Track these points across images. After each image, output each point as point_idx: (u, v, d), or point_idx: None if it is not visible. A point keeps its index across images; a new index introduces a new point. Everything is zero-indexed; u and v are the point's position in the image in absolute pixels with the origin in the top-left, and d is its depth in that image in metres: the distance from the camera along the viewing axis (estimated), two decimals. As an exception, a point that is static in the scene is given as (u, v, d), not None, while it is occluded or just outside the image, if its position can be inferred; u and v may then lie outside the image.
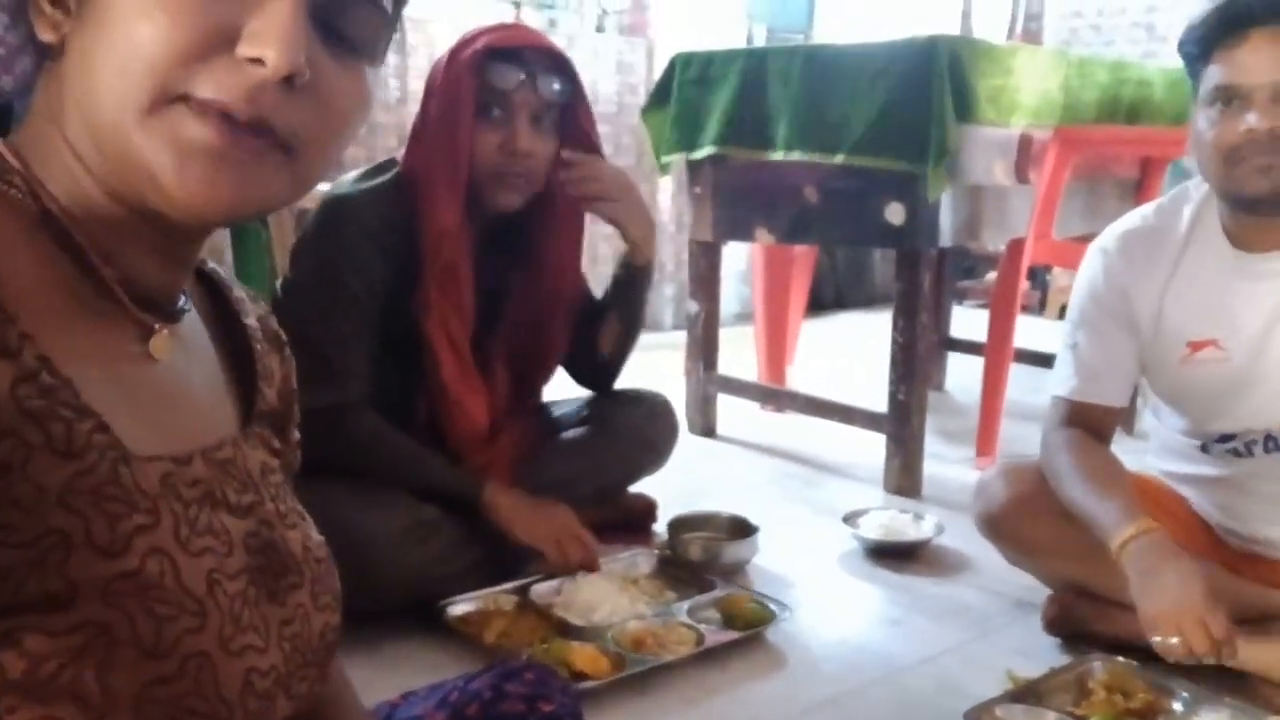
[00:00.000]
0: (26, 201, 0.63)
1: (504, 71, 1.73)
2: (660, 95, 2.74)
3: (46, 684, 0.54)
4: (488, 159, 1.76)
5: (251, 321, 0.80)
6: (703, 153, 2.62)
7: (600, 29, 4.40)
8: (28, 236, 0.62)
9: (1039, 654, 1.66)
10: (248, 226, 2.87)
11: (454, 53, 1.77)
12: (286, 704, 0.70)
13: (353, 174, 1.87)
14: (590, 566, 1.79)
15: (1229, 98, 1.46)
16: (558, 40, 4.10)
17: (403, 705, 1.10)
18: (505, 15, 4.12)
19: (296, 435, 0.86)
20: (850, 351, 4.17)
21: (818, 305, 4.87)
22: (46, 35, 0.63)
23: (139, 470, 0.61)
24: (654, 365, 3.16)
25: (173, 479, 0.64)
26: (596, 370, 2.10)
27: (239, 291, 0.81)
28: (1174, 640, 1.37)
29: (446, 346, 1.80)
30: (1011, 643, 1.72)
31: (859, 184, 2.35)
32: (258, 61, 0.59)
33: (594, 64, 4.35)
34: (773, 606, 1.75)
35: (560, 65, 1.80)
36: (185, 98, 0.59)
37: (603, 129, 4.32)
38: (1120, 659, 1.54)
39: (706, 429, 2.90)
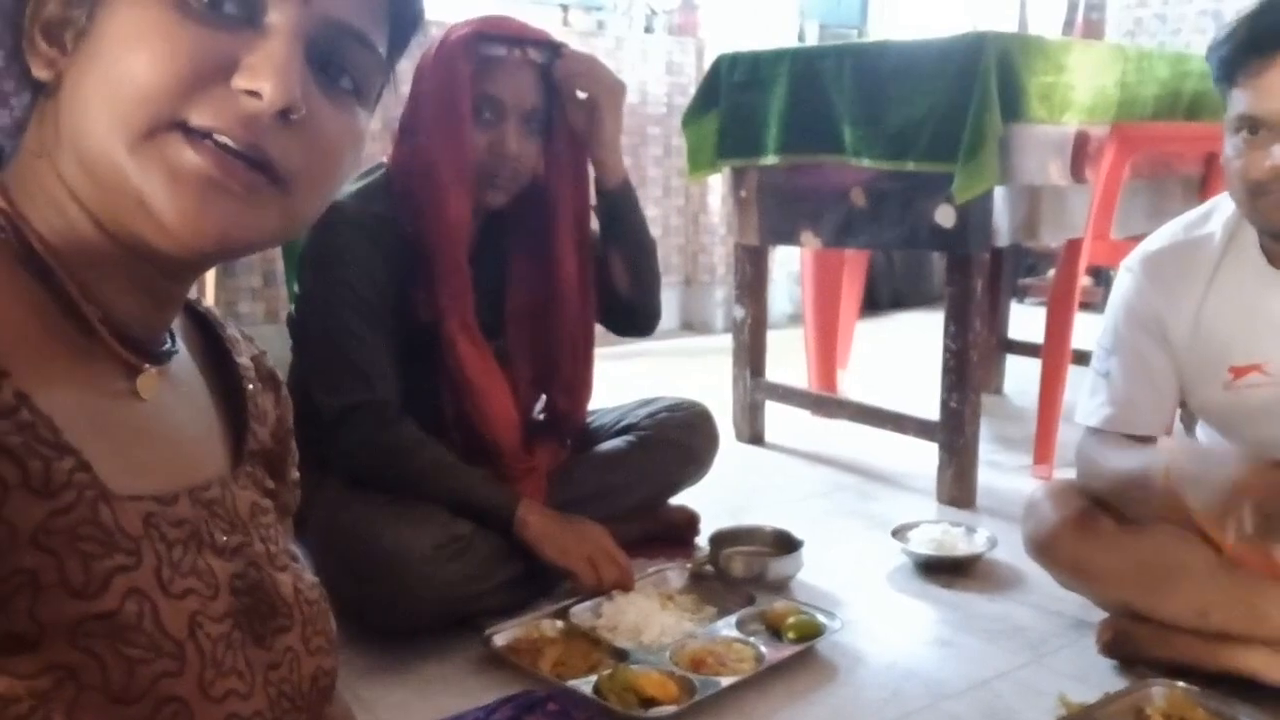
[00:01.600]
0: (9, 239, 0.62)
1: (493, 65, 1.73)
2: (704, 100, 2.69)
3: None
4: (476, 160, 1.75)
5: (244, 360, 0.78)
6: (766, 161, 2.56)
7: (649, 30, 4.36)
8: (10, 274, 0.61)
9: (1094, 678, 1.59)
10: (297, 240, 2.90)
11: (442, 45, 1.74)
12: None
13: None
14: (625, 586, 1.75)
15: (1254, 127, 1.38)
16: (605, 42, 4.15)
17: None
18: (552, 18, 4.10)
19: (295, 475, 0.86)
20: (907, 353, 4.09)
21: (874, 305, 4.79)
22: (42, 73, 0.63)
23: (120, 510, 0.60)
24: (704, 369, 3.12)
25: (156, 519, 0.63)
26: (628, 313, 2.03)
27: (232, 331, 0.80)
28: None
29: (463, 339, 1.79)
30: (1066, 666, 1.65)
31: (907, 185, 2.29)
32: (254, 94, 0.59)
33: (643, 65, 4.31)
34: (822, 617, 1.71)
35: (549, 51, 1.80)
36: (180, 125, 0.59)
37: (652, 130, 4.35)
38: (1181, 685, 1.47)
39: (754, 437, 2.85)
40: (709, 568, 1.92)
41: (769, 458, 2.77)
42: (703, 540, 2.07)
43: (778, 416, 2.90)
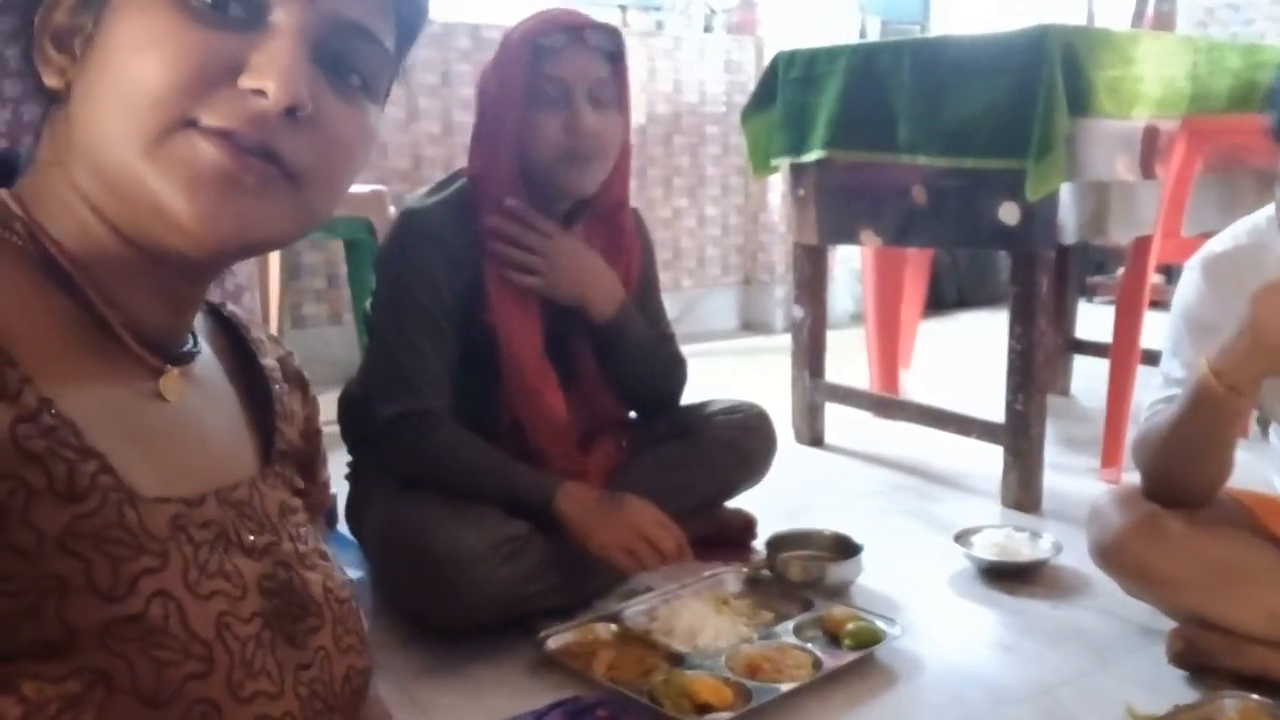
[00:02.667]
0: (29, 248, 0.62)
1: (553, 52, 1.72)
2: (762, 97, 2.67)
3: None
4: (552, 143, 1.73)
5: (269, 361, 0.79)
6: (812, 156, 2.54)
7: (708, 29, 4.34)
8: (30, 283, 0.62)
9: (1163, 688, 1.54)
10: (361, 239, 2.92)
11: (500, 47, 1.76)
12: None
13: (425, 189, 1.89)
14: (675, 561, 1.72)
15: None
16: (663, 41, 4.14)
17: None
18: (610, 19, 4.10)
19: (325, 475, 0.87)
20: (971, 354, 4.02)
21: (939, 304, 4.72)
22: (52, 81, 0.63)
23: (146, 512, 0.60)
24: (763, 370, 3.10)
25: (183, 520, 0.63)
26: (635, 406, 2.04)
27: (257, 333, 0.80)
28: None
29: (515, 338, 1.79)
30: (1133, 674, 1.60)
31: (969, 183, 2.24)
32: (260, 93, 0.59)
33: (701, 64, 4.30)
34: (881, 624, 1.68)
35: (610, 36, 1.78)
36: (192, 124, 0.59)
37: (711, 129, 4.33)
38: (1255, 696, 1.42)
39: (814, 438, 2.81)
40: (766, 572, 1.89)
41: (829, 460, 2.74)
42: (760, 544, 2.05)
43: (838, 418, 2.86)
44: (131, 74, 0.59)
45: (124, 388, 0.64)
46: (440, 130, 3.72)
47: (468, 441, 1.74)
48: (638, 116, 4.21)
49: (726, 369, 3.65)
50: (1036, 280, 2.22)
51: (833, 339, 2.88)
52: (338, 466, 2.03)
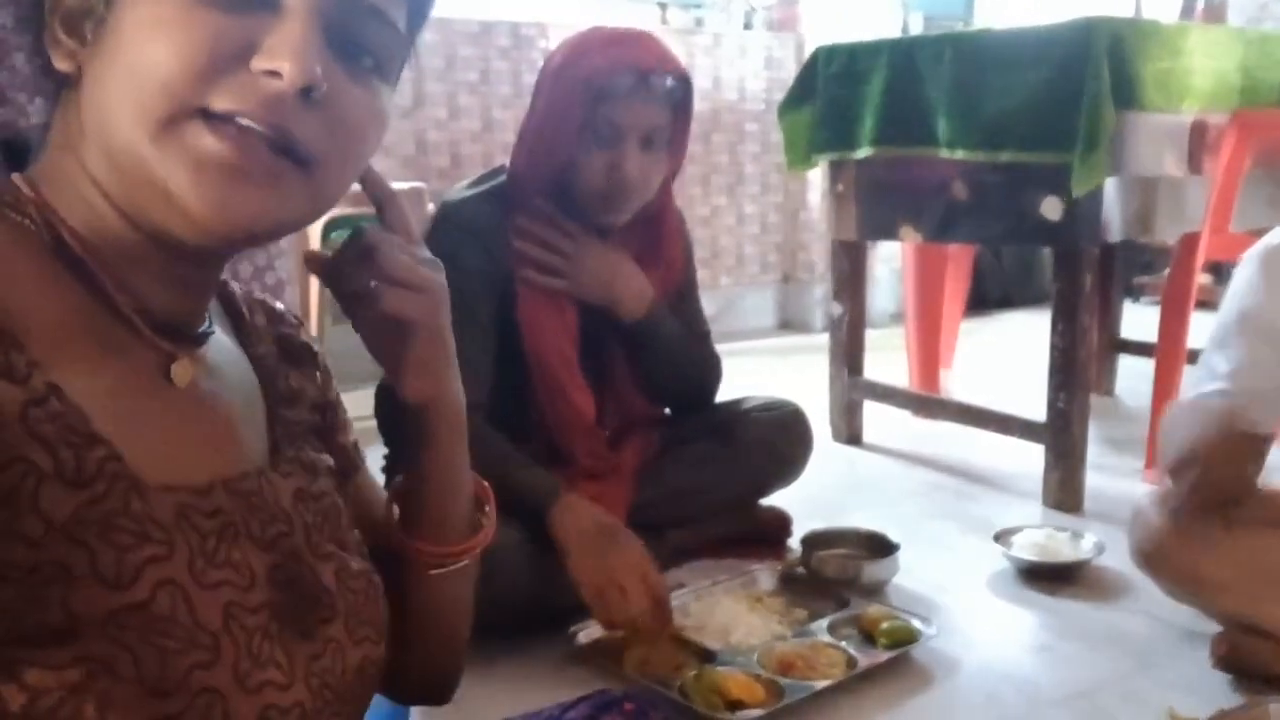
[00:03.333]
0: (40, 232, 0.62)
1: (615, 95, 1.68)
2: (801, 92, 2.65)
3: (46, 718, 0.53)
4: (592, 180, 1.72)
5: (262, 349, 0.78)
6: (854, 153, 2.51)
7: (748, 25, 4.32)
8: (41, 266, 0.61)
9: (1206, 692, 1.50)
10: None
11: (568, 60, 1.73)
12: None
13: (466, 181, 1.88)
14: (643, 628, 1.56)
15: None
16: (703, 39, 4.13)
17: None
18: (650, 16, 4.09)
19: (350, 438, 0.86)
20: (1014, 353, 3.97)
21: (981, 303, 4.66)
22: (63, 65, 0.63)
23: (153, 500, 0.60)
24: (802, 368, 3.07)
25: (189, 509, 0.63)
26: (669, 405, 2.02)
27: (258, 318, 0.79)
28: None
29: (542, 337, 1.78)
30: (1175, 678, 1.56)
31: (1012, 178, 2.21)
32: (274, 74, 0.59)
33: (741, 61, 4.28)
34: (917, 623, 1.65)
35: (677, 84, 1.75)
36: (202, 112, 0.58)
37: (750, 127, 4.31)
38: (1301, 702, 1.38)
39: (852, 437, 2.79)
40: (800, 570, 1.87)
41: (867, 458, 2.71)
42: (795, 541, 2.03)
43: (877, 416, 2.83)
44: (142, 58, 0.58)
45: (134, 373, 0.64)
46: (480, 127, 3.73)
47: (483, 430, 1.69)
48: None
49: (764, 367, 3.63)
50: (1080, 277, 2.18)
51: (873, 338, 2.85)
52: (375, 460, 2.04)
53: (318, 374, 0.84)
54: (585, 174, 1.72)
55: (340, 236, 3.53)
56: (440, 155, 3.67)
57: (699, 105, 4.14)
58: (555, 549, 1.59)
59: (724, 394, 2.12)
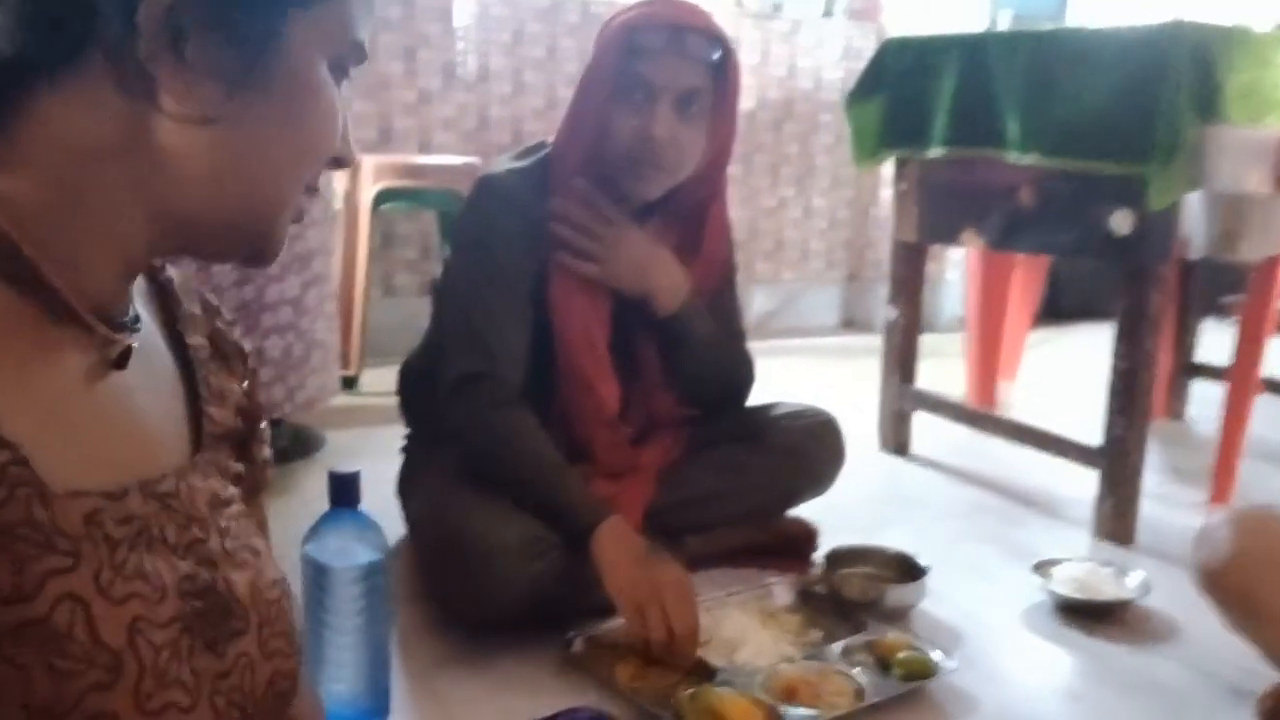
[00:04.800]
0: None
1: (648, 51, 1.62)
2: (869, 85, 2.53)
3: None
4: (621, 144, 1.66)
5: (197, 340, 0.73)
6: (922, 152, 2.39)
7: (828, 13, 4.18)
8: None
9: (1245, 758, 1.39)
10: (453, 211, 2.88)
11: (601, 32, 1.69)
12: None
13: (507, 155, 1.83)
14: (675, 653, 1.48)
15: None
16: (780, 25, 4.00)
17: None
18: (727, 1, 3.98)
19: (265, 454, 0.81)
20: (1083, 369, 3.80)
21: (1057, 312, 4.48)
22: (193, 108, 0.59)
23: (58, 508, 0.56)
24: (863, 371, 2.95)
25: (100, 516, 0.58)
26: (697, 404, 1.92)
27: (190, 306, 0.74)
28: None
29: (572, 324, 1.73)
30: (1212, 739, 1.45)
31: (1081, 187, 2.08)
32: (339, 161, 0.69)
33: (819, 51, 4.15)
34: (937, 655, 1.55)
35: (714, 44, 1.67)
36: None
37: (825, 118, 4.19)
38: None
39: (898, 447, 2.67)
40: (820, 587, 1.78)
41: (911, 471, 2.60)
42: (822, 556, 1.94)
43: (928, 427, 2.71)
44: (312, 121, 0.64)
45: (51, 368, 0.59)
46: (544, 105, 3.66)
47: (537, 433, 1.65)
48: (747, 102, 4.09)
49: (820, 367, 3.51)
50: (1146, 296, 2.04)
51: (937, 343, 2.73)
52: (396, 439, 2.00)
53: (244, 379, 0.79)
54: (616, 138, 1.66)
55: (394, 208, 3.50)
56: (502, 131, 3.62)
57: (772, 93, 4.09)
58: (591, 566, 1.53)
59: (776, 392, 2.04)
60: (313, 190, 0.67)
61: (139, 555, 0.60)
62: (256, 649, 0.68)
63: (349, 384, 2.93)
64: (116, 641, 0.57)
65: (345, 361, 2.90)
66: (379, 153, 3.30)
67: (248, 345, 0.81)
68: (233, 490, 0.72)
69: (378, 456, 1.91)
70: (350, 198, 3.00)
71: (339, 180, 2.94)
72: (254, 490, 0.79)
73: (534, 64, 3.63)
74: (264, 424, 0.82)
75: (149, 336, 0.69)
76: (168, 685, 0.59)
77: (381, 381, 2.77)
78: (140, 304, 0.68)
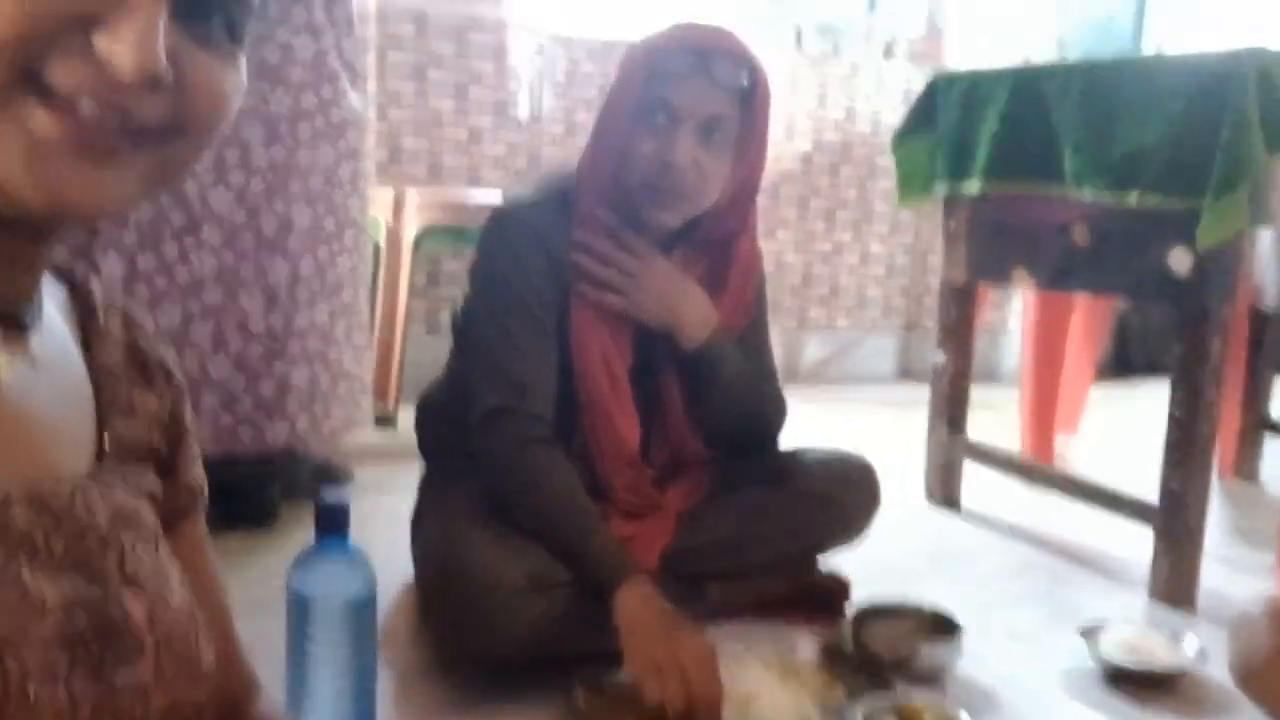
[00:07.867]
0: None
1: (672, 76, 1.56)
2: (916, 122, 2.45)
3: None
4: (640, 169, 1.59)
5: (109, 355, 0.70)
6: (970, 188, 2.30)
7: (889, 55, 4.10)
8: None
9: None
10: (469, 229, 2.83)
11: (629, 50, 1.62)
12: None
13: (521, 185, 1.78)
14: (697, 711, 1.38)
15: None
16: (839, 68, 3.93)
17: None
18: (785, 41, 3.93)
19: (192, 476, 0.76)
20: (1151, 426, 3.63)
21: (1125, 367, 4.31)
22: None
23: None
24: (915, 422, 2.83)
25: None
26: (724, 445, 1.82)
27: (109, 320, 0.71)
28: None
29: (593, 358, 1.65)
30: (1269, 827, 1.31)
31: (1138, 223, 1.96)
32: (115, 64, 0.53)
33: (878, 94, 4.08)
34: (965, 720, 1.44)
35: (741, 72, 1.59)
36: (35, 81, 0.53)
37: (882, 162, 4.09)
38: None
39: (948, 499, 2.54)
40: (847, 642, 1.67)
41: (958, 525, 2.46)
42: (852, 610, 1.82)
43: (980, 479, 2.58)
44: None
45: None
46: (562, 131, 3.62)
47: (568, 475, 1.59)
48: (803, 144, 4.02)
49: (874, 417, 3.40)
50: (1206, 342, 1.91)
51: (997, 395, 2.60)
52: (413, 480, 1.93)
53: (169, 396, 0.74)
54: (635, 162, 1.59)
55: (433, 247, 3.44)
56: (519, 158, 3.58)
57: (829, 136, 4.02)
58: (612, 623, 1.45)
59: (823, 441, 1.94)
60: (62, 101, 0.53)
61: (17, 569, 0.56)
62: (150, 676, 0.62)
63: (386, 421, 2.88)
64: None
65: (383, 398, 2.86)
66: (427, 188, 3.28)
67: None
68: (146, 509, 0.68)
69: (407, 493, 1.85)
70: (393, 233, 2.98)
71: (382, 212, 2.92)
72: (180, 512, 0.75)
73: (587, 104, 3.60)
74: (193, 444, 0.77)
75: (61, 345, 0.66)
76: (39, 713, 0.55)
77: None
78: (58, 315, 0.66)
